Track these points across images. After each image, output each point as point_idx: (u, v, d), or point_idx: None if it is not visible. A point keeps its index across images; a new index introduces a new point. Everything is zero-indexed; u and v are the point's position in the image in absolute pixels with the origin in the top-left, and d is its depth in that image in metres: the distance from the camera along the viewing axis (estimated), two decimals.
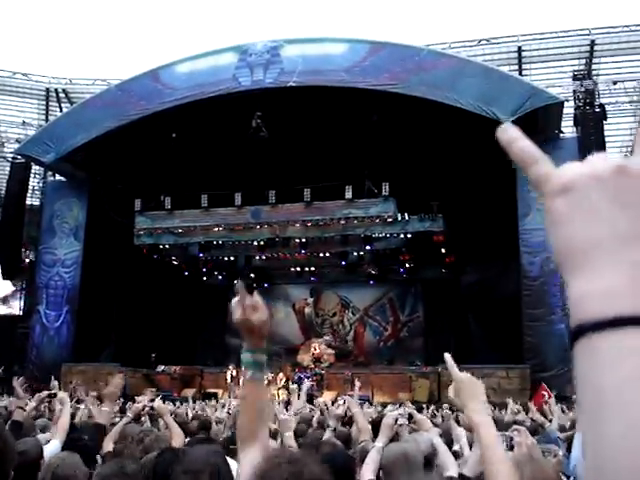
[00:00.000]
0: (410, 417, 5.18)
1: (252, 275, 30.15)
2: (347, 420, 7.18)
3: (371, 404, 16.69)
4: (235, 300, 2.04)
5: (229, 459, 2.89)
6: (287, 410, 7.67)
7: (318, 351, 27.80)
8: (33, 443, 4.25)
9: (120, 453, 4.09)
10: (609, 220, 0.59)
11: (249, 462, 1.97)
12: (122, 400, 13.17)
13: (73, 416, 6.22)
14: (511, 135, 0.69)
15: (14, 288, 30.80)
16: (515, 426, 3.91)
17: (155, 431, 5.17)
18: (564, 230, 0.62)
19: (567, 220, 0.62)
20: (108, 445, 4.73)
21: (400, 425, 4.85)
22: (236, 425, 2.23)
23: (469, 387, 2.27)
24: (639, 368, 0.54)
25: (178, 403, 13.80)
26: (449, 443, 4.74)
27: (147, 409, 6.24)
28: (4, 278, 28.55)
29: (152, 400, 6.34)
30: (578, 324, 0.59)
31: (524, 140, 0.68)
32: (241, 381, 2.13)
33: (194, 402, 11.15)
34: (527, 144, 0.68)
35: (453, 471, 3.66)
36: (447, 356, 2.38)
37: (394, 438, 4.53)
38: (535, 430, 7.79)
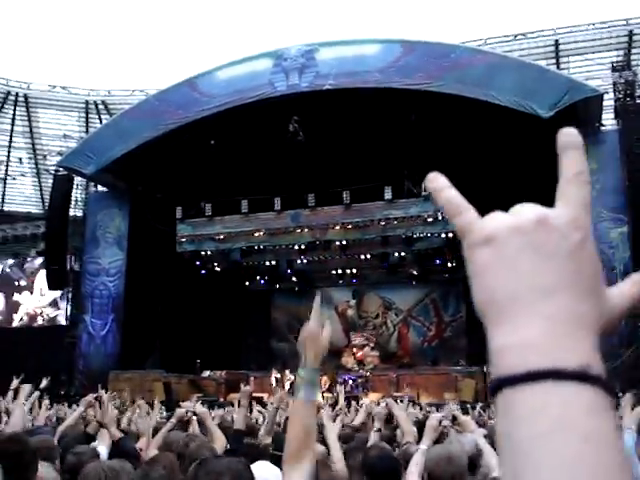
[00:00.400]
0: (454, 418, 5.14)
1: (294, 279, 30.21)
2: (390, 419, 7.16)
3: (417, 404, 16.57)
4: (313, 312, 2.14)
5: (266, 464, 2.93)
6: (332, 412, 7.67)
7: (361, 353, 27.76)
8: (89, 450, 4.36)
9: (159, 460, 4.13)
10: (527, 272, 0.59)
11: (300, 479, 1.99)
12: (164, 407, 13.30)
13: (118, 422, 6.29)
14: (438, 184, 0.70)
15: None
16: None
17: (200, 437, 5.21)
18: (484, 281, 0.63)
19: (487, 271, 0.62)
20: (152, 451, 4.77)
21: (444, 427, 4.82)
22: (285, 439, 2.24)
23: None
24: (552, 423, 0.54)
25: (227, 408, 13.80)
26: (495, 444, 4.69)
27: (190, 414, 6.29)
28: (50, 288, 28.96)
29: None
30: (496, 378, 0.59)
31: (451, 190, 0.68)
32: (290, 396, 2.14)
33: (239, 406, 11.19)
34: (453, 194, 0.68)
35: (498, 472, 3.63)
36: None
37: (439, 440, 4.50)
38: None
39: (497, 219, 0.65)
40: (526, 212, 0.64)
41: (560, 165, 0.66)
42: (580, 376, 0.56)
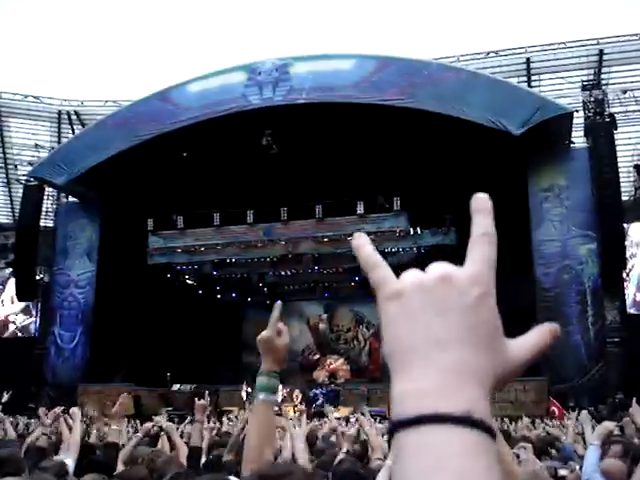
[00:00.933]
0: None
1: (265, 292, 30.16)
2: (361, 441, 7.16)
3: (387, 419, 16.55)
4: (272, 318, 2.20)
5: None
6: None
7: (334, 365, 27.74)
8: (56, 464, 4.31)
9: (128, 475, 4.10)
10: (425, 326, 0.64)
11: None
12: (136, 421, 13.19)
13: (88, 436, 6.23)
14: (360, 242, 0.75)
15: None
16: (522, 443, 3.86)
17: (166, 453, 5.17)
18: (390, 333, 0.67)
19: (393, 324, 0.66)
20: (118, 466, 4.73)
21: None
22: (244, 445, 2.26)
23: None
24: (431, 462, 0.58)
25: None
26: None
27: (156, 428, 6.25)
28: (19, 299, 28.66)
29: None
30: (393, 421, 0.63)
31: (369, 247, 0.74)
32: (252, 403, 2.17)
33: (208, 421, 11.06)
34: (371, 251, 0.73)
35: None
36: None
37: None
38: (550, 444, 7.72)
39: (409, 275, 0.69)
40: (433, 269, 0.69)
41: (472, 227, 0.72)
42: (461, 420, 0.61)
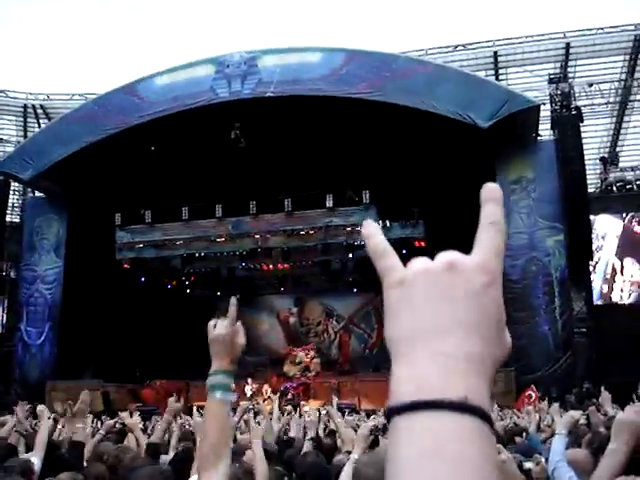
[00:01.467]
0: (386, 428, 5.12)
1: (235, 286, 30.11)
2: (329, 432, 7.18)
3: (357, 412, 16.64)
4: (229, 316, 2.13)
5: None
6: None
7: (308, 359, 27.79)
8: (22, 462, 4.26)
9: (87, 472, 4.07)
10: (427, 313, 0.65)
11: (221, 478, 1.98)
12: (106, 418, 13.10)
13: (51, 434, 6.17)
14: (370, 231, 0.75)
15: None
16: None
17: (132, 449, 5.14)
18: (392, 320, 0.68)
19: (395, 311, 0.68)
20: (85, 464, 4.68)
21: (376, 436, 4.81)
22: (197, 446, 2.23)
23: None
24: (426, 447, 0.59)
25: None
26: None
27: (118, 425, 6.23)
28: None
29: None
30: (389, 407, 0.64)
31: (379, 236, 0.74)
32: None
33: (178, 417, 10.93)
34: (381, 240, 0.74)
35: None
36: None
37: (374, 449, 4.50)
38: (517, 433, 7.80)
39: (414, 263, 0.70)
40: (440, 257, 0.69)
41: (481, 216, 0.72)
42: (457, 407, 0.61)
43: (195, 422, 4.65)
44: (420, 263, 0.69)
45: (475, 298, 0.65)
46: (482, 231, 0.71)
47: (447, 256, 0.69)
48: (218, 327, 2.18)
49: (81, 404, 4.94)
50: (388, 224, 23.96)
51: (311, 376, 25.78)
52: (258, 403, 10.39)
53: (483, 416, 0.62)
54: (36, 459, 4.72)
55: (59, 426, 6.05)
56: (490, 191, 0.74)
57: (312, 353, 28.37)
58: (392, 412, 0.64)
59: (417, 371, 0.63)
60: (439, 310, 0.65)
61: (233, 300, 2.17)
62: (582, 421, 6.29)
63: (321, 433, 7.17)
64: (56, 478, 3.34)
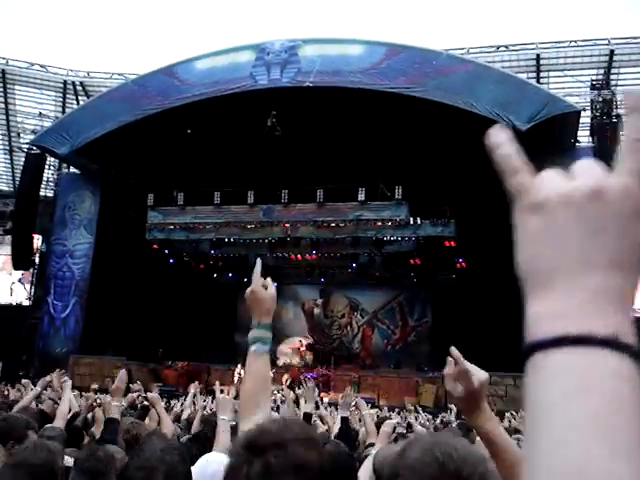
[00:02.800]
0: (409, 426, 5.10)
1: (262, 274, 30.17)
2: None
3: (377, 407, 16.61)
4: (254, 273, 2.26)
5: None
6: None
7: (303, 349, 27.93)
8: (59, 432, 4.37)
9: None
10: (573, 245, 0.60)
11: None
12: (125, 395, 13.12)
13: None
14: (499, 139, 0.69)
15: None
16: (517, 435, 3.82)
17: (143, 424, 5.18)
18: (529, 249, 0.63)
19: (534, 240, 0.63)
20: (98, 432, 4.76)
21: (399, 434, 4.78)
22: (239, 396, 2.27)
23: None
24: (576, 385, 0.56)
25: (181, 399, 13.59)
26: None
27: (141, 398, 6.26)
28: (15, 268, 28.64)
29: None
30: (529, 342, 0.61)
31: (511, 146, 0.67)
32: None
33: (194, 397, 10.91)
34: (512, 151, 0.68)
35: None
36: (453, 349, 2.30)
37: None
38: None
39: (551, 184, 0.64)
40: (581, 180, 0.63)
41: (624, 130, 0.64)
42: (608, 343, 0.58)
43: (217, 399, 4.63)
44: (560, 186, 0.63)
45: (624, 229, 0.60)
46: (627, 150, 0.63)
47: (591, 180, 0.62)
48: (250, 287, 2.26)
49: (119, 382, 5.00)
50: (419, 221, 23.87)
51: (331, 368, 25.77)
52: (283, 389, 10.40)
53: (634, 354, 0.58)
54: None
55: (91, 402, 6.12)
56: (634, 99, 0.65)
57: (305, 343, 28.54)
58: (534, 348, 0.60)
59: (561, 306, 0.59)
60: (586, 242, 0.60)
61: (258, 260, 2.30)
62: None
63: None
64: (104, 447, 3.36)
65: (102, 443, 3.94)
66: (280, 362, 26.84)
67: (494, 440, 1.99)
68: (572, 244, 0.61)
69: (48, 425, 4.84)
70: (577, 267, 0.60)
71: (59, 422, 5.05)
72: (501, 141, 0.68)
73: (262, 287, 2.25)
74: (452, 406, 11.19)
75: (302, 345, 28.91)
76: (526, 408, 0.60)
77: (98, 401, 6.34)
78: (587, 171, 0.63)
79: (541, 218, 0.63)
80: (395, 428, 4.57)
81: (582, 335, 0.58)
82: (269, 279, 2.29)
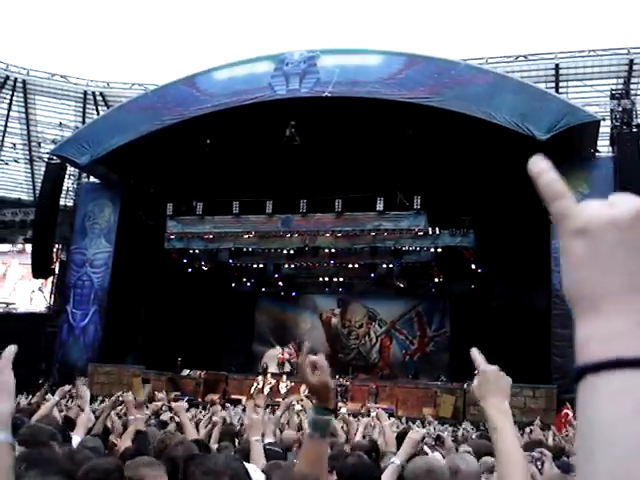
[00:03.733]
0: (438, 438, 5.08)
1: (280, 283, 30.19)
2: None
3: (396, 417, 16.56)
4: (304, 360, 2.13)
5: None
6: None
7: (287, 356, 27.86)
8: (96, 441, 4.43)
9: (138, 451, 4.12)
10: (622, 270, 0.61)
11: None
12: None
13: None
14: (541, 167, 0.70)
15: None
16: (540, 448, 3.79)
17: (178, 435, 5.19)
18: (577, 273, 0.64)
19: (581, 263, 0.63)
20: (126, 442, 4.77)
21: (425, 444, 4.77)
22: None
23: (493, 380, 2.17)
24: (633, 407, 0.57)
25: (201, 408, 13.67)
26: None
27: (165, 407, 6.30)
28: (35, 277, 28.83)
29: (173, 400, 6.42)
30: (582, 365, 0.62)
31: (553, 173, 0.69)
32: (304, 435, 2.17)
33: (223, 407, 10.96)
34: (555, 178, 0.69)
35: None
36: (474, 350, 2.31)
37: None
38: (555, 456, 7.62)
39: (594, 209, 0.65)
40: (624, 205, 0.64)
41: None
42: None
43: (249, 419, 4.62)
44: (604, 211, 0.65)
45: None
46: None
47: (634, 205, 0.64)
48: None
49: (145, 396, 5.06)
50: (438, 231, 23.80)
51: (349, 378, 25.71)
52: (302, 400, 10.41)
53: None
54: (78, 437, 4.85)
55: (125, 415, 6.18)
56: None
57: (286, 352, 28.45)
58: (587, 370, 0.61)
59: (612, 329, 0.60)
60: (632, 265, 0.61)
61: (306, 344, 2.32)
62: None
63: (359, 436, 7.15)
64: (137, 459, 3.39)
65: (135, 455, 3.97)
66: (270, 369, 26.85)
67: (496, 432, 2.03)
68: (618, 267, 0.62)
69: (88, 436, 4.90)
70: (624, 290, 0.61)
71: (80, 430, 5.09)
72: (544, 168, 0.70)
73: (311, 369, 2.12)
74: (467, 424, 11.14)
75: (283, 353, 28.75)
76: (581, 427, 0.61)
77: (121, 399, 6.39)
78: (627, 199, 0.65)
79: (586, 242, 0.64)
80: (424, 438, 4.56)
81: (635, 358, 0.59)
82: (320, 357, 2.15)
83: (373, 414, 7.28)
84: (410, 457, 4.02)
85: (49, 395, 9.74)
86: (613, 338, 0.61)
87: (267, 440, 5.12)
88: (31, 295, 32.28)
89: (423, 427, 11.26)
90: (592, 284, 0.63)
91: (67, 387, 6.48)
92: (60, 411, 6.49)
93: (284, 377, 25.24)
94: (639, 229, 0.62)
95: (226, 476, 2.31)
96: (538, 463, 3.26)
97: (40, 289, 31.62)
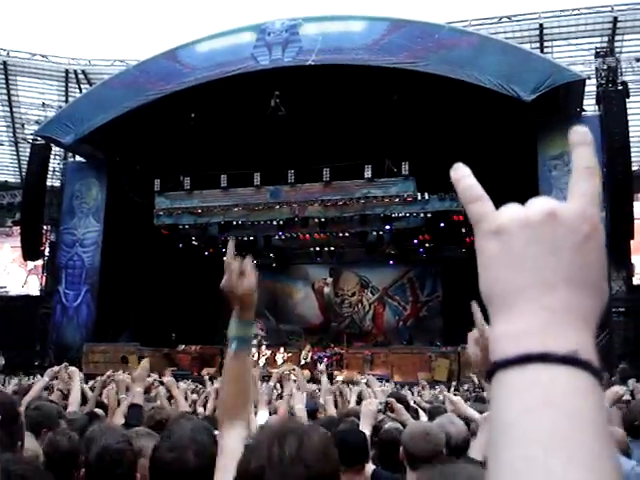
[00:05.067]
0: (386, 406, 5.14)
1: (272, 255, 30.18)
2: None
3: (390, 383, 16.66)
4: (226, 263, 2.03)
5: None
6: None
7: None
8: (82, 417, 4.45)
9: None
10: (532, 266, 0.63)
11: (236, 438, 1.91)
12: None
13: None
14: (459, 174, 0.73)
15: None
16: None
17: (167, 408, 5.23)
18: (491, 273, 0.65)
19: (494, 263, 0.65)
20: (119, 419, 4.78)
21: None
22: (218, 399, 2.17)
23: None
24: (537, 401, 0.59)
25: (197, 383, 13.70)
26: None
27: (157, 383, 6.34)
28: (25, 259, 28.75)
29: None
30: (493, 362, 0.63)
31: (471, 178, 0.72)
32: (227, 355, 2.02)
33: (211, 381, 11.02)
34: (473, 182, 0.72)
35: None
36: (474, 304, 2.25)
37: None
38: None
39: (509, 211, 0.67)
40: (536, 205, 0.66)
41: (572, 161, 0.69)
42: (568, 360, 0.61)
43: (294, 394, 4.68)
44: (517, 212, 0.66)
45: (579, 249, 0.63)
46: (578, 177, 0.68)
47: (545, 205, 0.65)
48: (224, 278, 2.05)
49: (142, 370, 5.06)
50: (427, 196, 23.78)
51: (344, 346, 25.86)
52: (294, 369, 10.43)
53: (593, 371, 0.61)
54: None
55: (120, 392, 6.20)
56: (581, 134, 0.72)
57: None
58: (497, 366, 0.63)
59: (523, 326, 0.62)
60: (543, 263, 0.63)
61: (231, 242, 2.10)
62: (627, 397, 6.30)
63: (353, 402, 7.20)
64: (137, 429, 3.39)
65: (129, 428, 3.97)
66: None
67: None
68: (529, 266, 0.64)
69: (70, 410, 4.90)
70: (537, 287, 0.63)
71: (72, 408, 5.10)
72: (462, 175, 0.73)
73: (237, 276, 2.02)
74: (473, 376, 11.22)
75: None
76: (491, 423, 0.63)
77: (112, 377, 6.39)
78: (540, 200, 0.66)
79: (499, 242, 0.65)
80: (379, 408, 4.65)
81: (542, 353, 0.61)
82: (247, 261, 2.06)
83: (363, 381, 7.32)
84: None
85: (38, 376, 9.77)
86: (523, 334, 0.62)
87: (260, 411, 5.16)
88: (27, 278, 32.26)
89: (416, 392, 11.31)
90: (505, 282, 0.65)
91: (57, 368, 6.47)
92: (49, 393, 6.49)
93: (281, 349, 25.38)
94: (549, 227, 0.64)
95: (190, 451, 2.25)
96: None
97: (31, 271, 31.54)
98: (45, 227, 27.79)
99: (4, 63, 32.61)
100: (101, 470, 2.84)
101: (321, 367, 10.29)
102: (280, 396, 7.45)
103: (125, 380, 5.69)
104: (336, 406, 6.87)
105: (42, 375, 6.99)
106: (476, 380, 10.36)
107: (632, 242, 23.02)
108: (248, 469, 1.50)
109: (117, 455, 2.85)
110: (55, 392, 6.18)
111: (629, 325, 22.64)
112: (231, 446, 1.88)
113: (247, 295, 2.05)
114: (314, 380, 16.88)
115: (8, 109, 33.53)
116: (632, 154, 22.58)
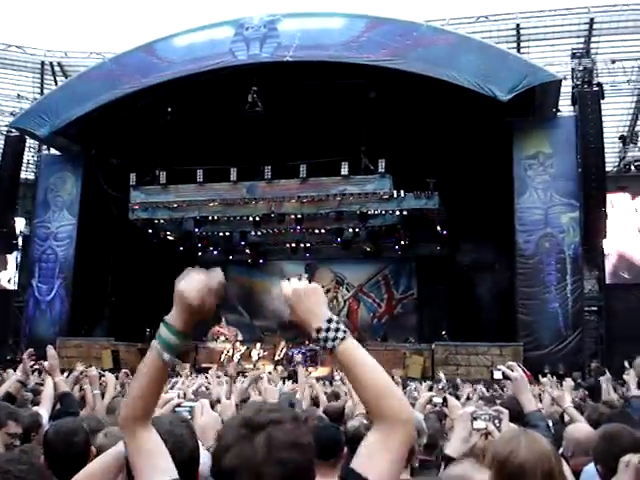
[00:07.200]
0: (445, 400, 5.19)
1: (247, 251, 30.12)
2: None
3: None
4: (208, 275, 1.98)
5: None
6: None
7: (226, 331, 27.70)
8: (33, 413, 4.38)
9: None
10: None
11: (150, 441, 1.92)
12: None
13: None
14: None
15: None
16: (497, 407, 3.79)
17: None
18: None
19: None
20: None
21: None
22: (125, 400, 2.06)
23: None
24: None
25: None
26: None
27: (82, 376, 6.34)
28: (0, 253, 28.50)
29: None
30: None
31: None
32: (149, 357, 1.88)
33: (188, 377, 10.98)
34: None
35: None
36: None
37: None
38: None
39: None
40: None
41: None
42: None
43: (266, 389, 4.66)
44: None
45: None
46: None
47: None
48: (186, 280, 2.01)
49: (51, 360, 5.09)
50: (403, 194, 23.84)
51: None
52: (270, 373, 10.45)
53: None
54: (44, 412, 4.81)
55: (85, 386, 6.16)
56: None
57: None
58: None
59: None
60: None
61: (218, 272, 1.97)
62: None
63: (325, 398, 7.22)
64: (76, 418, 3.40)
65: (66, 416, 3.98)
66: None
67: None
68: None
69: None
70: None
71: (46, 404, 5.05)
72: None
73: (208, 292, 1.95)
74: (441, 375, 11.28)
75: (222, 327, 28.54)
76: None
77: (84, 373, 6.34)
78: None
79: None
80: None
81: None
82: (218, 272, 1.99)
83: (338, 377, 7.36)
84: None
85: (10, 371, 9.61)
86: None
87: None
88: None
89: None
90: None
91: (30, 362, 6.38)
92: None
93: (257, 345, 25.38)
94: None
95: (168, 444, 2.25)
96: (496, 421, 3.26)
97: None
98: (19, 220, 27.54)
99: None
100: (57, 444, 2.88)
101: (297, 358, 10.32)
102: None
103: (97, 375, 5.67)
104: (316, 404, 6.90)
105: (14, 370, 6.92)
106: (443, 378, 10.40)
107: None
108: (221, 468, 1.51)
109: (72, 431, 2.91)
110: (15, 384, 6.02)
111: (601, 324, 22.88)
112: (147, 447, 1.91)
113: (207, 314, 1.99)
114: (289, 377, 16.90)
115: None
116: (606, 155, 22.80)
